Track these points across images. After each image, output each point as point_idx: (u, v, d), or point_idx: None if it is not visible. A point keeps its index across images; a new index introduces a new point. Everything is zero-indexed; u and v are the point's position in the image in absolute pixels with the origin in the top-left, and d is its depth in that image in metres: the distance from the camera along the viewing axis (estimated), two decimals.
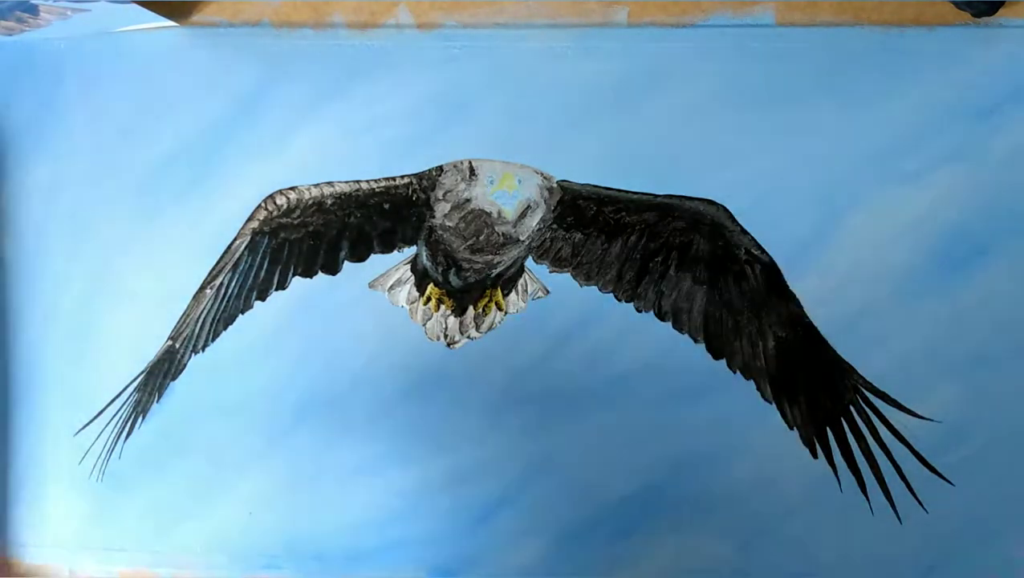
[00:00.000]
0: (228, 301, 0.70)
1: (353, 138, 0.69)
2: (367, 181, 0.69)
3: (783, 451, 0.65)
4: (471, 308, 0.69)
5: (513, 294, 0.68)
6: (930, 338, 0.65)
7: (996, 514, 0.64)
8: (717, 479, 0.66)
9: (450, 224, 0.67)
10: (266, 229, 0.70)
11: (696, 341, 0.66)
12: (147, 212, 0.71)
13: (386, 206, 0.69)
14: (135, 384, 0.71)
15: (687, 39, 0.67)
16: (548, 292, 0.68)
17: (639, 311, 0.67)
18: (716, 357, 0.66)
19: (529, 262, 0.68)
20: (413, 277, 0.69)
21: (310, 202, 0.69)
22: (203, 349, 0.70)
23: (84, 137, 0.72)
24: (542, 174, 0.67)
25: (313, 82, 0.70)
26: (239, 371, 0.70)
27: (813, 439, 0.65)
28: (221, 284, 0.70)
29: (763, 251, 0.65)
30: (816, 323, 0.65)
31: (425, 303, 0.69)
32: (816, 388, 0.65)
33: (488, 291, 0.69)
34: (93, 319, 0.72)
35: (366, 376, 0.69)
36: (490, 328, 0.69)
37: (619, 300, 0.67)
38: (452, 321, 0.69)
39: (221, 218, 0.70)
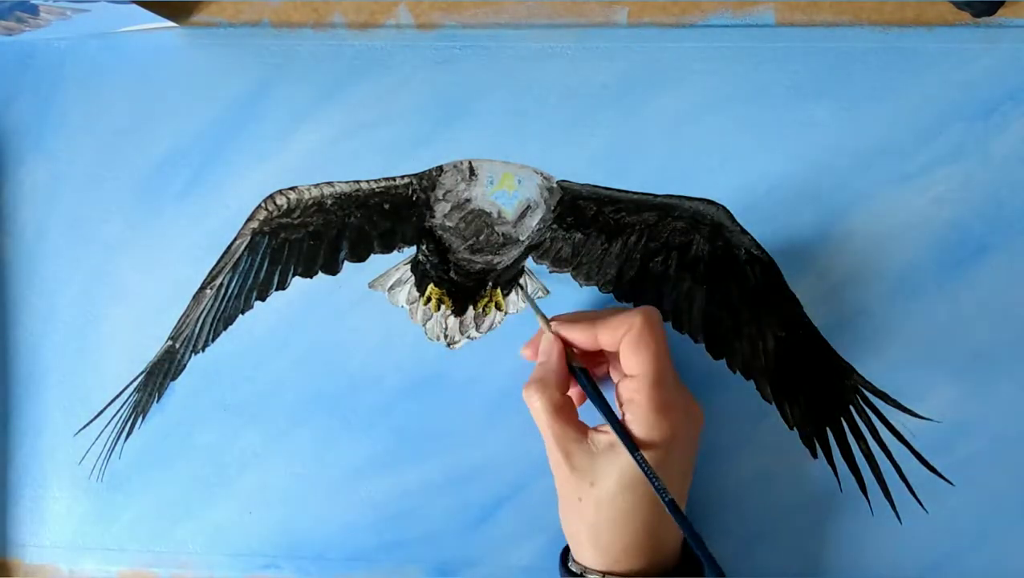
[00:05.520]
0: (228, 301, 0.70)
1: (353, 138, 0.69)
2: (367, 181, 0.69)
3: (783, 451, 0.65)
4: (471, 308, 0.69)
5: (513, 294, 0.68)
6: (930, 338, 0.65)
7: (996, 514, 0.64)
8: (717, 479, 0.66)
9: (450, 224, 0.67)
10: (266, 229, 0.70)
11: (696, 341, 0.66)
12: (147, 212, 0.71)
13: (386, 206, 0.69)
14: (135, 384, 0.71)
15: (687, 39, 0.67)
16: (548, 292, 0.68)
17: None
18: (716, 357, 0.66)
19: (529, 262, 0.68)
20: (413, 277, 0.69)
21: (310, 202, 0.69)
22: (203, 349, 0.70)
23: (84, 137, 0.72)
24: (542, 174, 0.67)
25: (313, 82, 0.70)
26: (239, 371, 0.70)
27: (813, 439, 0.65)
28: (221, 284, 0.70)
29: (763, 251, 0.65)
30: (816, 323, 0.65)
31: (425, 303, 0.69)
32: (816, 388, 0.65)
33: (488, 291, 0.69)
34: (93, 319, 0.72)
35: (366, 376, 0.69)
36: (490, 328, 0.69)
37: (619, 300, 0.67)
38: (452, 321, 0.69)
39: (221, 218, 0.70)
